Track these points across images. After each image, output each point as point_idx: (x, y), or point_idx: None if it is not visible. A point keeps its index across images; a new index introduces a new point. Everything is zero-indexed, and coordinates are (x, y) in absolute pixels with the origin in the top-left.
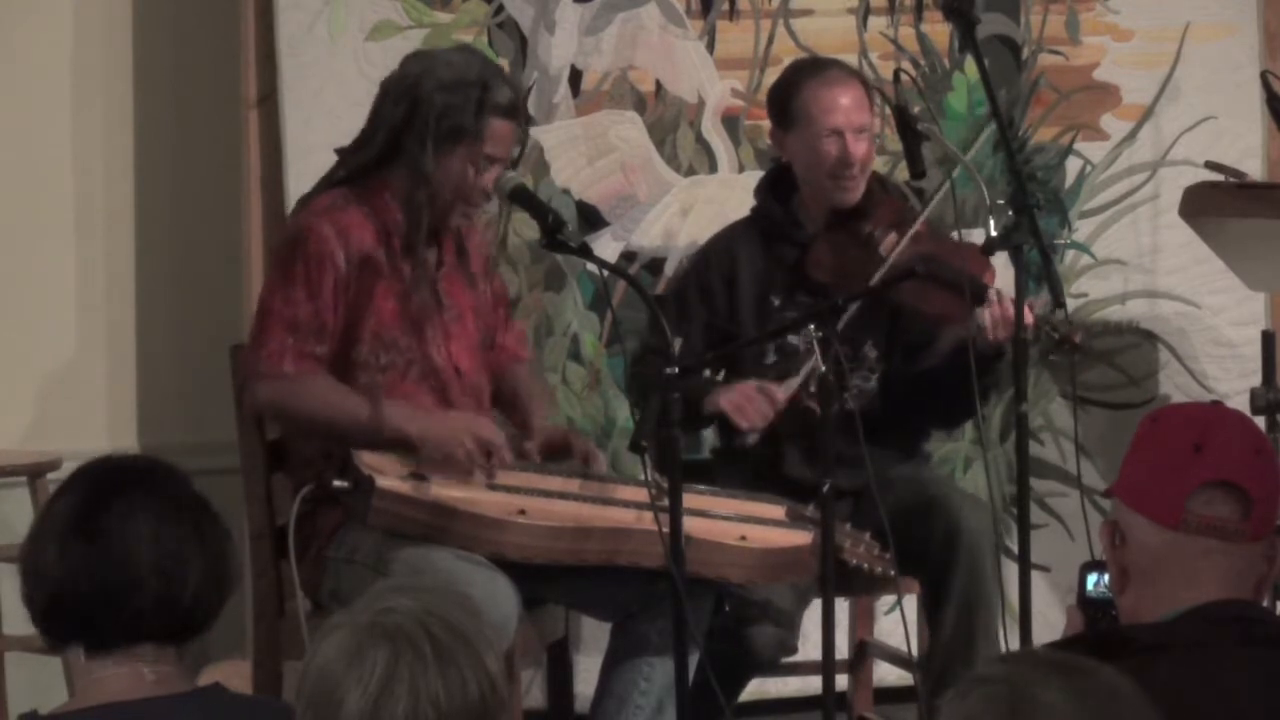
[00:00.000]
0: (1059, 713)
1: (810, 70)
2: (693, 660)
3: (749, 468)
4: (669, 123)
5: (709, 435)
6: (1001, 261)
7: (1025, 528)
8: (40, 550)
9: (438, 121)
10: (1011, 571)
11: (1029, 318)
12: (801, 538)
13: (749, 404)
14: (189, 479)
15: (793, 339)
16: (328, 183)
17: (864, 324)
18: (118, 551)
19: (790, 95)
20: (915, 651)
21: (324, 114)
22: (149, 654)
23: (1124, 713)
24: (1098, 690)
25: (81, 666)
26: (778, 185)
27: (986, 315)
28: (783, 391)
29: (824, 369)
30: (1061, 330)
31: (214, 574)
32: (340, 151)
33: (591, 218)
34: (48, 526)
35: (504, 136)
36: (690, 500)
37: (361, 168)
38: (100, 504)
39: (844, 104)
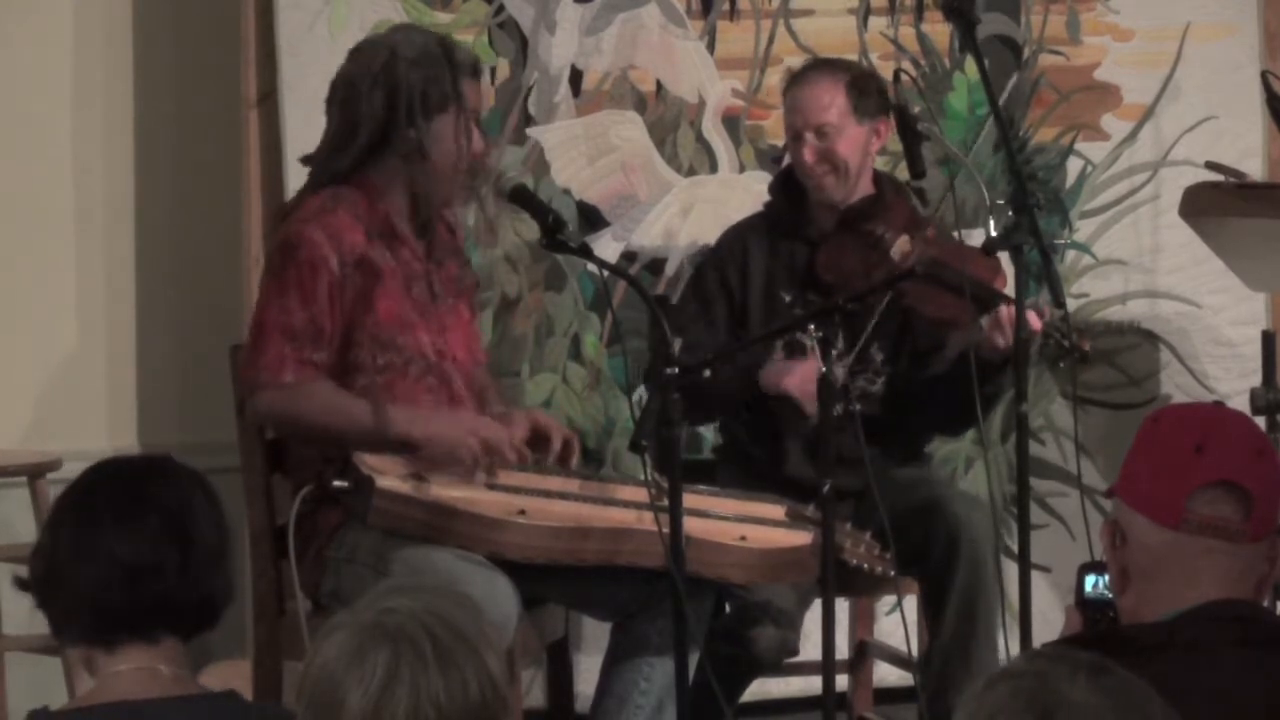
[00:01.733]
0: (1087, 710)
1: (797, 71)
2: (693, 660)
3: (750, 467)
4: (669, 123)
5: (709, 435)
6: (1002, 261)
7: (1025, 528)
8: (64, 538)
9: (423, 97)
10: (1012, 571)
11: (1036, 324)
12: (802, 538)
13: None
14: (204, 476)
15: (801, 336)
16: (310, 191)
17: (872, 327)
18: (145, 536)
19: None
20: (915, 652)
21: (324, 114)
22: (164, 647)
23: (1151, 713)
24: (1125, 689)
25: (96, 663)
26: (790, 182)
27: (994, 320)
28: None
29: (824, 369)
30: (1070, 339)
31: (227, 569)
32: (309, 160)
33: (592, 218)
34: (67, 517)
35: (475, 94)
36: (690, 500)
37: (345, 169)
38: (146, 485)
39: (800, 104)
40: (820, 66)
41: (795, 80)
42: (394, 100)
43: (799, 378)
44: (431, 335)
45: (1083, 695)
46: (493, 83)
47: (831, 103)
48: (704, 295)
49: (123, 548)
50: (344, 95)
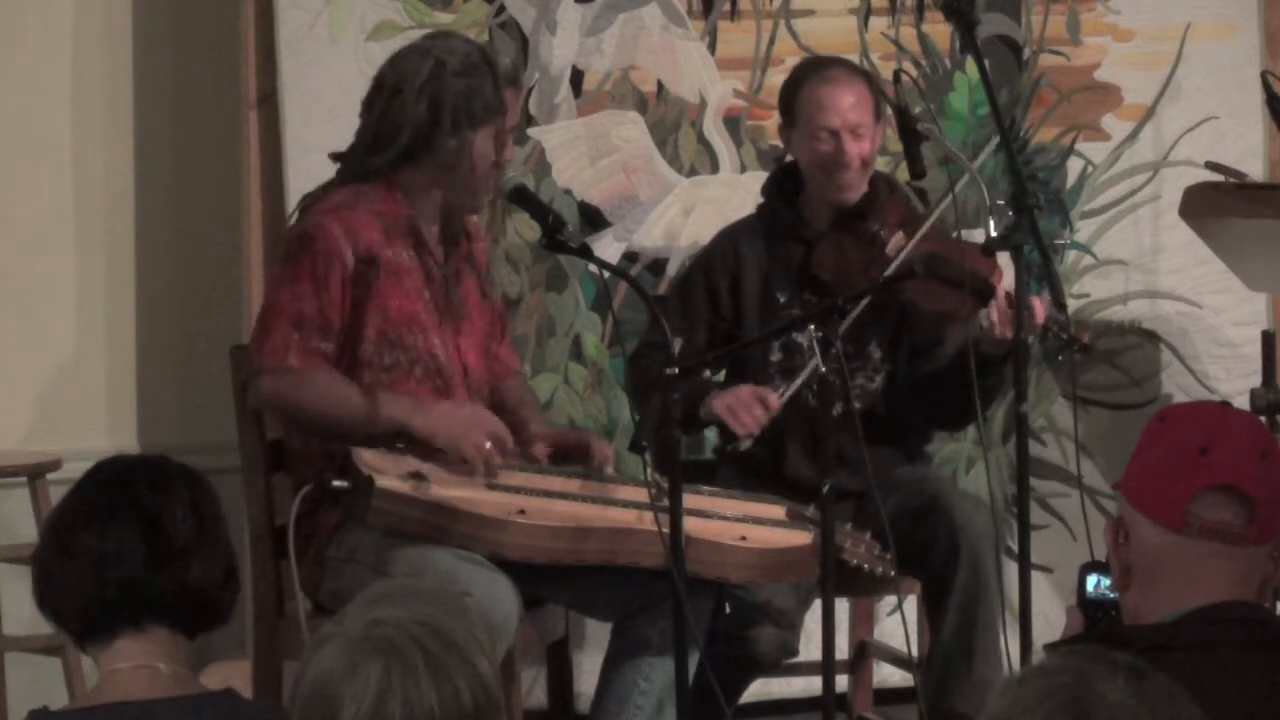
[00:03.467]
0: (1122, 712)
1: (813, 69)
2: (693, 660)
3: (750, 468)
4: (670, 123)
5: (711, 435)
6: (1002, 262)
7: (1025, 528)
8: (50, 540)
9: (467, 107)
10: (1012, 571)
11: (1040, 316)
12: (801, 538)
13: (743, 409)
14: (199, 475)
15: (798, 337)
16: (336, 184)
17: (869, 324)
18: (116, 529)
19: (793, 93)
20: (915, 652)
21: (324, 114)
22: (164, 645)
23: (1184, 717)
24: (1163, 695)
25: (99, 662)
26: (784, 183)
27: (993, 312)
28: (777, 396)
29: (824, 369)
30: (1070, 331)
31: (230, 567)
32: (341, 156)
33: (593, 218)
34: (55, 521)
35: (515, 104)
36: (690, 500)
37: (379, 170)
38: (130, 489)
39: (841, 103)
40: (843, 65)
41: (822, 79)
42: (438, 109)
43: (726, 399)
44: (443, 339)
45: (1119, 697)
46: None
47: (863, 102)
48: (688, 299)
49: (95, 542)
50: (387, 99)
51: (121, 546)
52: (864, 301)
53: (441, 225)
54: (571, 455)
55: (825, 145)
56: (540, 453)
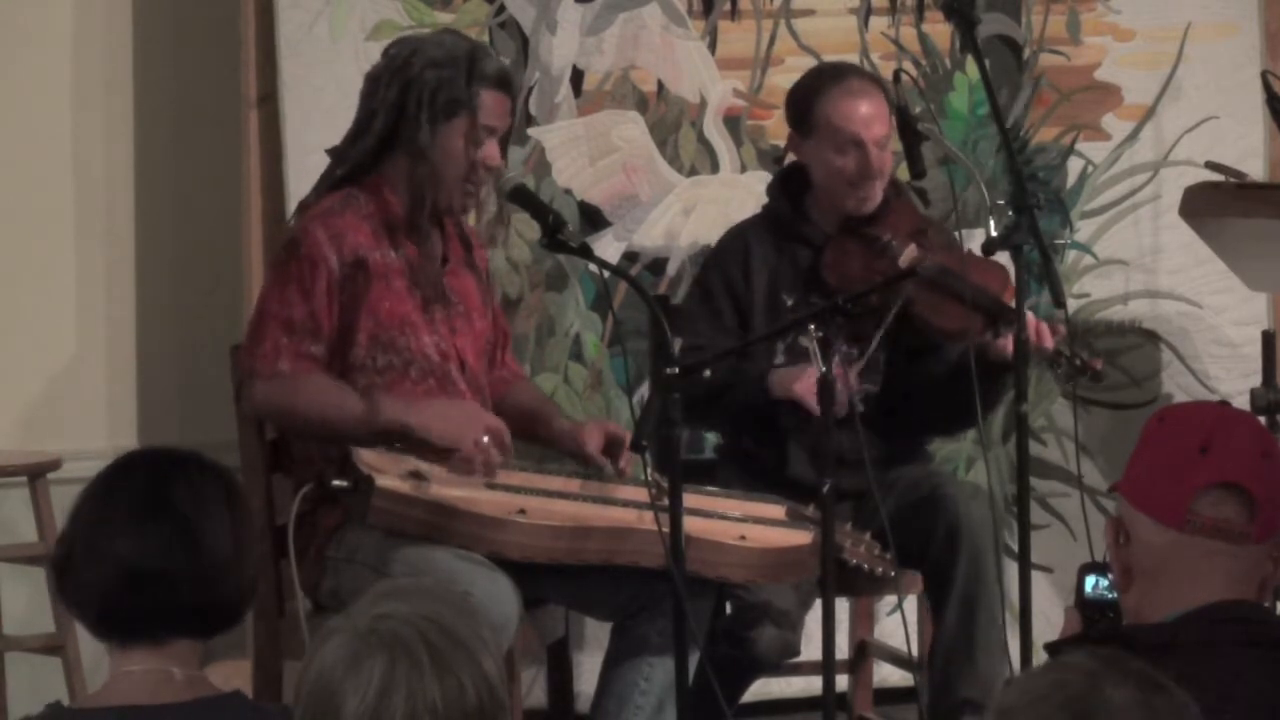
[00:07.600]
0: (1123, 714)
1: (832, 78)
2: (693, 660)
3: (751, 468)
4: (671, 123)
5: (711, 435)
6: (1001, 262)
7: (1025, 528)
8: (80, 533)
9: (431, 98)
10: (1013, 571)
11: (1049, 342)
12: (801, 537)
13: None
14: (231, 475)
15: (803, 340)
16: (328, 182)
17: (876, 328)
18: (154, 541)
19: (811, 102)
20: (916, 652)
21: (324, 114)
22: (182, 651)
23: None
24: (1170, 708)
25: (113, 658)
26: (789, 184)
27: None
28: (854, 379)
29: (824, 370)
30: (1081, 359)
31: (241, 574)
32: (333, 151)
33: (594, 218)
34: (86, 511)
35: (497, 107)
36: (690, 500)
37: (361, 161)
38: (167, 496)
39: (868, 116)
40: (861, 74)
41: (846, 90)
42: (405, 97)
43: (806, 382)
44: (437, 338)
45: (1124, 701)
46: None
47: (884, 113)
48: (710, 296)
49: (131, 551)
50: (366, 88)
51: (156, 561)
52: (890, 315)
53: (410, 218)
54: (611, 447)
55: (852, 158)
56: (599, 459)
